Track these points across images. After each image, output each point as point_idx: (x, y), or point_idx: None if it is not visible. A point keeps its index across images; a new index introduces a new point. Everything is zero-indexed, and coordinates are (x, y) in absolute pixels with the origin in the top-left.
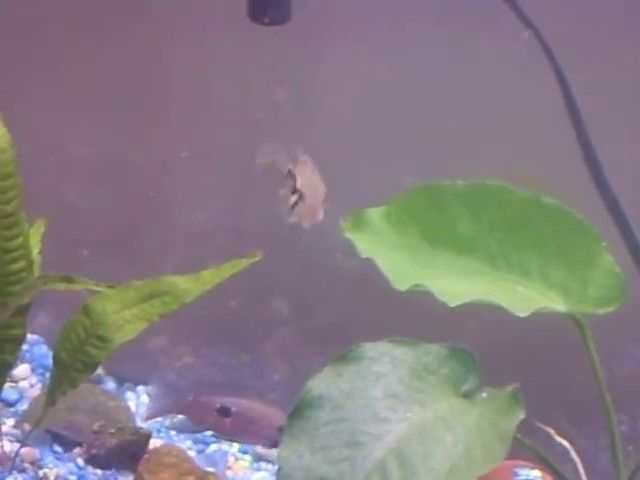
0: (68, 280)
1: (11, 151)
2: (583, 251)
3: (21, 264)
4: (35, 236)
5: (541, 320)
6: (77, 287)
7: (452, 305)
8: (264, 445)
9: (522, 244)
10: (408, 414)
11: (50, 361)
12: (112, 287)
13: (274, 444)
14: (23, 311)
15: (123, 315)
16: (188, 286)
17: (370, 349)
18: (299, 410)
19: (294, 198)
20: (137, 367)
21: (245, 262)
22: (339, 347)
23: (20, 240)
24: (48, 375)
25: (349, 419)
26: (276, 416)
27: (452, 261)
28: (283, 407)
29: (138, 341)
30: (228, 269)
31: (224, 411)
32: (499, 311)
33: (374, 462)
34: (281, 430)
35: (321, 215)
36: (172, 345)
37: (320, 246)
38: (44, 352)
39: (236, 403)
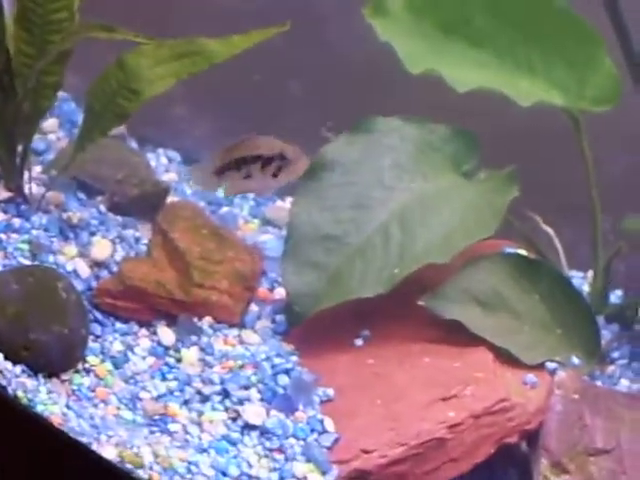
0: (109, 29)
1: None
2: (585, 53)
3: (63, 14)
4: None
5: (541, 116)
6: (117, 36)
7: (460, 90)
8: None
9: (530, 42)
10: (412, 184)
11: (78, 118)
12: (151, 39)
13: None
14: (62, 59)
15: (155, 71)
16: (218, 48)
17: (381, 122)
18: (311, 171)
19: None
20: (159, 131)
21: (273, 30)
22: None
23: None
24: (75, 131)
25: (357, 184)
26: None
27: (464, 52)
28: None
29: (162, 107)
30: (257, 35)
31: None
32: (503, 104)
33: (378, 224)
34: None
35: None
36: (193, 114)
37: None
38: (72, 108)
39: None
